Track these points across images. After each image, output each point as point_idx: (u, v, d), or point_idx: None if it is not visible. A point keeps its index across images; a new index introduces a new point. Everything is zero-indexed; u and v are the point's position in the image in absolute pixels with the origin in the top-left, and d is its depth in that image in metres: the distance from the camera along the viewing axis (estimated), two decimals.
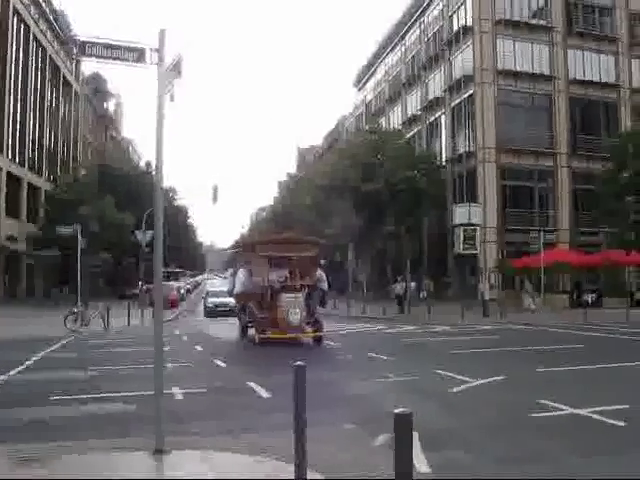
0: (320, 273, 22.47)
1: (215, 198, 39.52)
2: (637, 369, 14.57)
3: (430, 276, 48.04)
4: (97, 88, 79.91)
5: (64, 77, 65.61)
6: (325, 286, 22.52)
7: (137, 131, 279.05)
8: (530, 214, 46.93)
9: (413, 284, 43.73)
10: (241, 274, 22.36)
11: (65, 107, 66.49)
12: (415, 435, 7.71)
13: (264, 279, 20.90)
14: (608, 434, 8.49)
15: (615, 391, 11.61)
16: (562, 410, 9.76)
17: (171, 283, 53.80)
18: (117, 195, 53.98)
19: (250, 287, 21.65)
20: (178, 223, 75.42)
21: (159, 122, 7.57)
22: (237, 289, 22.58)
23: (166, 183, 68.54)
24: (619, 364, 15.14)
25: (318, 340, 20.43)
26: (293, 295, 20.41)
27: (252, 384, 12.56)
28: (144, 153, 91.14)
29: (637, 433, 8.52)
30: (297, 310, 20.09)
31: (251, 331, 22.19)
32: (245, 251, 25.49)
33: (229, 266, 67.10)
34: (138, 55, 7.58)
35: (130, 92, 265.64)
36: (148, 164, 66.02)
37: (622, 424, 8.83)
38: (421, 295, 43.37)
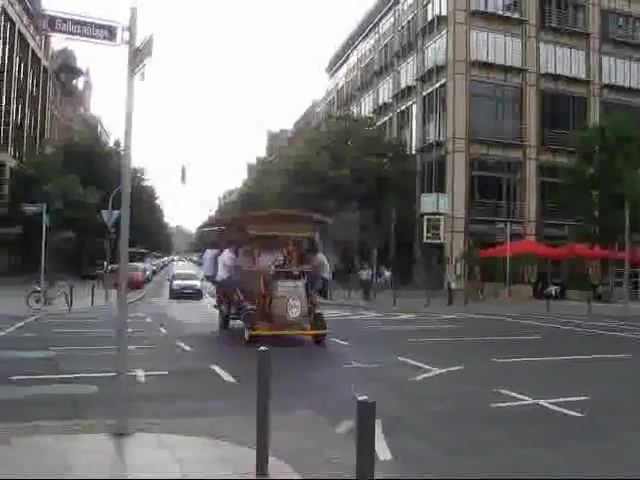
0: (322, 257, 18.84)
1: (184, 179, 39.29)
2: (595, 362, 14.84)
3: (391, 265, 48.13)
4: (66, 64, 78.50)
5: (33, 52, 64.29)
6: (327, 273, 18.82)
7: (106, 109, 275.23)
8: (497, 205, 47.37)
9: (388, 273, 43.89)
10: (226, 257, 18.17)
11: (33, 83, 65.22)
12: (377, 422, 7.79)
13: (255, 263, 17.90)
14: (564, 425, 8.63)
15: (573, 382, 11.82)
16: (520, 400, 9.90)
17: (136, 264, 53.27)
18: (84, 173, 53.13)
19: (236, 273, 17.99)
20: (145, 204, 74.56)
21: (128, 102, 7.46)
22: (220, 275, 18.47)
23: (134, 163, 67.79)
24: (578, 356, 15.42)
25: (320, 340, 16.93)
26: (292, 284, 16.86)
27: (216, 368, 12.54)
28: (113, 132, 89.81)
29: (592, 424, 8.68)
30: (297, 302, 16.55)
31: (233, 324, 19.59)
32: (230, 229, 20.94)
33: (201, 247, 65.85)
34: (109, 33, 7.45)
35: (100, 69, 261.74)
36: (117, 143, 65.16)
37: (578, 415, 8.99)
38: (379, 281, 43.20)
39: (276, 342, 14.62)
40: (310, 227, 19.08)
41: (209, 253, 21.66)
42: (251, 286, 17.48)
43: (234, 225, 20.61)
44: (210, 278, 21.46)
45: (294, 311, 16.53)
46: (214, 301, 35.28)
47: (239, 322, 18.47)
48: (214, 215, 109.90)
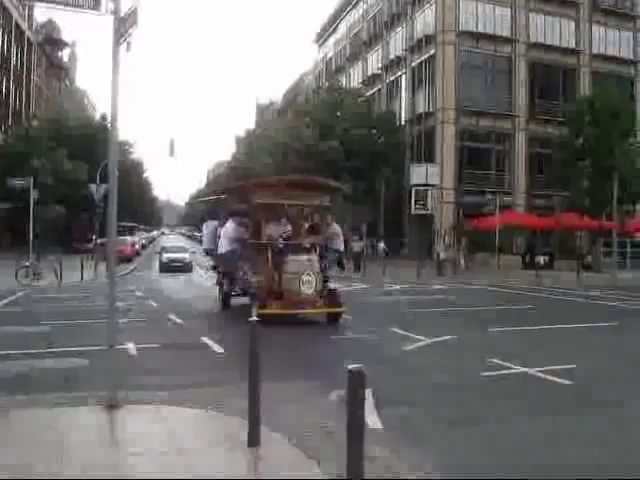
0: (336, 228, 17.42)
1: (172, 151, 39.09)
2: (584, 331, 14.97)
3: (384, 237, 48.23)
4: (51, 36, 77.51)
5: (16, 24, 63.40)
6: (341, 244, 17.46)
7: (92, 82, 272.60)
8: (487, 176, 47.39)
9: (382, 244, 43.92)
10: (230, 228, 16.53)
11: (17, 55, 64.40)
12: (368, 392, 7.84)
13: (262, 235, 16.50)
14: (556, 393, 8.72)
15: (564, 351, 11.93)
16: (512, 369, 9.98)
17: (126, 238, 53.13)
18: (71, 147, 52.74)
19: (241, 246, 16.40)
20: (133, 177, 74.20)
21: (114, 73, 7.36)
22: (222, 248, 16.75)
23: (122, 136, 67.26)
24: (567, 325, 15.54)
25: (335, 318, 15.63)
26: (305, 257, 15.39)
27: (207, 340, 12.58)
28: (99, 105, 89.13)
29: (582, 392, 8.77)
30: (311, 278, 15.00)
31: (236, 302, 18.34)
32: (233, 198, 19.04)
33: (199, 220, 64.96)
34: (93, 2, 7.33)
35: (85, 41, 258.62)
36: (103, 117, 64.56)
37: (569, 383, 9.08)
38: (375, 252, 43.22)
39: (286, 322, 14.35)
40: (325, 195, 17.40)
41: (209, 225, 19.97)
42: (258, 260, 16.09)
43: (239, 193, 18.72)
44: (210, 252, 20.00)
45: (307, 287, 14.97)
46: (205, 274, 35.33)
47: (243, 300, 17.52)
48: (211, 185, 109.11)
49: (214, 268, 20.72)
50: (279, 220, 16.90)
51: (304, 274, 14.90)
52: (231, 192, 20.24)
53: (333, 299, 15.77)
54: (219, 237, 17.52)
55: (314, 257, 15.56)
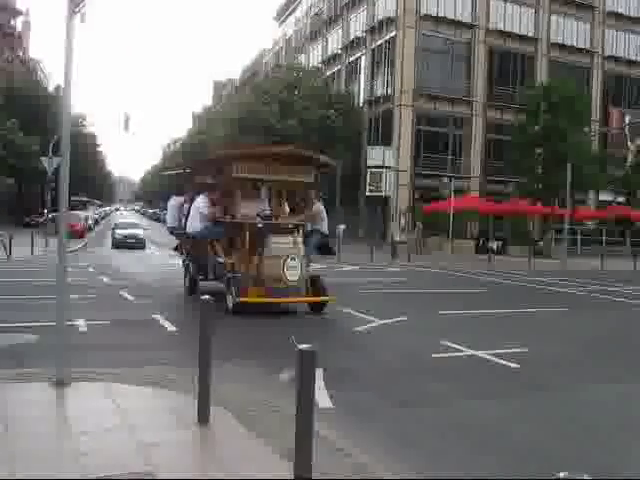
0: (319, 207, 15.63)
1: (127, 126, 38.52)
2: (533, 315, 15.27)
3: (340, 218, 48.32)
4: (3, 3, 75.26)
5: None
6: (326, 226, 15.72)
7: (47, 53, 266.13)
8: (443, 160, 47.77)
9: (342, 226, 43.92)
10: (201, 204, 14.70)
11: None
12: (320, 372, 7.89)
13: (238, 213, 14.44)
14: (503, 376, 8.88)
15: (513, 335, 12.13)
16: (462, 352, 10.13)
17: (78, 212, 52.29)
18: (23, 119, 51.56)
19: (215, 224, 14.67)
20: (87, 151, 72.89)
21: (68, 44, 7.19)
22: (193, 227, 14.87)
23: (76, 109, 65.97)
24: (518, 310, 15.83)
25: (320, 308, 14.11)
26: (290, 239, 13.75)
27: (158, 317, 12.49)
28: (54, 76, 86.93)
29: (529, 375, 8.95)
30: (296, 262, 13.36)
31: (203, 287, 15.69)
32: (204, 171, 17.25)
33: (150, 195, 64.30)
34: None
35: (39, 10, 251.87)
36: (57, 88, 63.16)
37: (517, 366, 9.26)
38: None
39: (265, 311, 13.47)
40: (313, 170, 15.33)
41: (173, 200, 18.01)
42: (234, 242, 14.57)
43: (211, 166, 16.55)
44: (175, 231, 18.01)
45: (292, 274, 13.28)
46: (157, 251, 34.93)
47: (211, 284, 15.35)
48: (168, 160, 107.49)
49: (176, 249, 18.92)
50: (256, 197, 15.29)
51: (288, 259, 13.26)
52: (202, 165, 18.36)
53: (319, 287, 14.26)
54: (185, 215, 16.05)
55: (299, 239, 13.89)
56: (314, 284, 14.25)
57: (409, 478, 5.14)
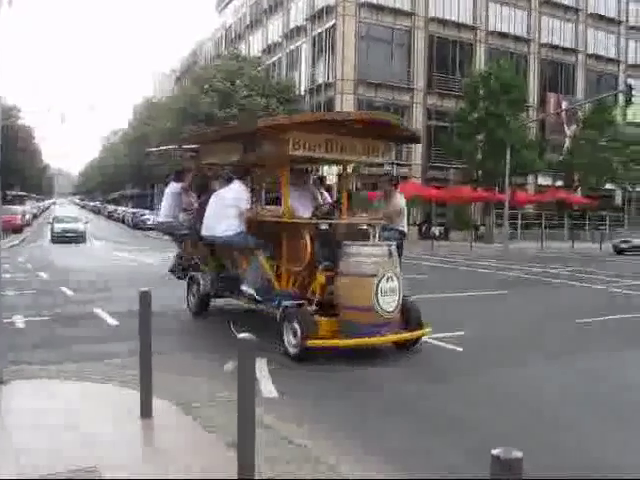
0: (402, 200, 12.04)
1: (63, 119, 37.81)
2: (473, 298, 15.53)
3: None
4: None
5: None
6: (405, 224, 12.05)
7: None
8: None
9: None
10: (236, 195, 10.08)
11: None
12: (264, 361, 7.88)
13: (296, 210, 10.02)
14: (448, 360, 9.00)
15: (456, 319, 12.27)
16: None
17: (15, 207, 51.03)
18: None
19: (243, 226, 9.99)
20: (22, 144, 70.98)
21: None
22: (223, 230, 9.98)
23: (8, 101, 64.20)
24: (459, 294, 16.06)
25: (414, 344, 9.39)
26: (380, 250, 8.85)
27: (99, 311, 12.27)
28: None
29: (472, 358, 9.09)
30: (395, 283, 8.73)
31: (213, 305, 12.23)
32: (224, 148, 11.10)
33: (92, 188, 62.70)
34: None
35: None
36: None
37: (460, 349, 9.40)
38: None
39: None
40: (390, 148, 10.86)
41: (172, 186, 12.25)
42: (290, 250, 9.62)
43: (242, 139, 10.45)
44: (170, 230, 12.59)
45: (389, 301, 8.63)
46: (98, 244, 34.27)
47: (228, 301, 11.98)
48: (107, 151, 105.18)
49: (173, 271, 12.97)
50: (303, 184, 11.08)
51: (384, 279, 8.59)
52: (223, 137, 11.37)
53: (412, 314, 9.39)
54: (185, 209, 12.00)
55: (394, 249, 9.07)
56: (410, 311, 9.38)
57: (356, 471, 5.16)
